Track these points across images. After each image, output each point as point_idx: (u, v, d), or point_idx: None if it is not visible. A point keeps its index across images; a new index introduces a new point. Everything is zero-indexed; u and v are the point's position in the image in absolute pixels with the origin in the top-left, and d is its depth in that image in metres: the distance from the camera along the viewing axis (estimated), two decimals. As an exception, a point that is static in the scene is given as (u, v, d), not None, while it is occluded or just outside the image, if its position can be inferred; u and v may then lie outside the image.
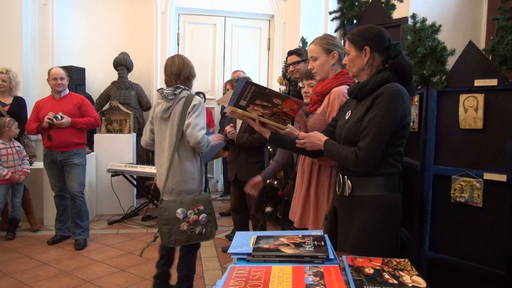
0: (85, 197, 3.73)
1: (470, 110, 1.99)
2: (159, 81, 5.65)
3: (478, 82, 1.98)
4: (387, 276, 1.03)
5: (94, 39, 5.51)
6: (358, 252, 1.37)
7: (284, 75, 4.47)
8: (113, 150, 4.72)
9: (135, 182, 4.65)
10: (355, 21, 3.32)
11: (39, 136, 4.02)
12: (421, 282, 1.00)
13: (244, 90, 1.77)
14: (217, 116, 5.65)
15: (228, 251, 1.24)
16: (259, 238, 1.28)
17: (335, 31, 3.62)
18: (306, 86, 2.48)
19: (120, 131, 4.89)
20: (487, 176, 1.92)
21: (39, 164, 4.21)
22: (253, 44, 6.03)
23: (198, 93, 5.37)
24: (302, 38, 4.49)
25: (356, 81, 1.96)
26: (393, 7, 3.32)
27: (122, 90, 5.18)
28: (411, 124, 2.23)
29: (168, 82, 2.46)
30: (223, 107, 3.76)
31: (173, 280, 2.64)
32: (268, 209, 4.01)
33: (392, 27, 3.03)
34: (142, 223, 4.41)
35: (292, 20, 5.61)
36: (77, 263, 3.24)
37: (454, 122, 2.06)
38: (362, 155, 1.50)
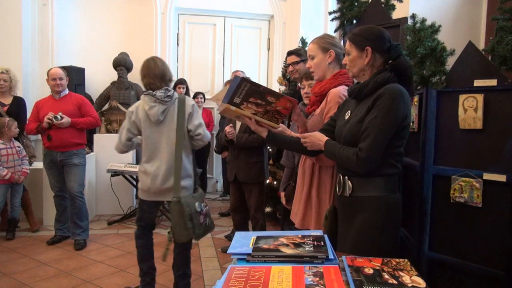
0: (85, 197, 3.73)
1: (470, 110, 1.99)
2: (159, 81, 5.65)
3: (477, 82, 1.99)
4: (386, 276, 1.03)
5: (94, 39, 5.51)
6: (358, 252, 1.37)
7: (283, 75, 4.47)
8: (113, 150, 4.65)
9: (134, 182, 4.64)
10: (354, 21, 3.32)
11: (39, 136, 4.03)
12: (421, 282, 1.00)
13: (239, 87, 1.78)
14: (216, 116, 5.65)
15: (228, 251, 1.24)
16: (258, 238, 1.28)
17: (335, 31, 3.62)
18: (307, 86, 2.46)
19: (120, 131, 4.88)
20: (487, 176, 1.93)
21: (38, 164, 4.20)
22: (253, 44, 6.03)
23: (198, 93, 5.38)
24: (302, 38, 4.49)
25: (356, 81, 1.96)
26: (393, 7, 3.32)
27: (121, 90, 5.18)
28: (411, 124, 2.23)
29: (151, 85, 2.45)
30: None
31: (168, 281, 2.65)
32: (267, 209, 4.01)
33: (391, 27, 3.03)
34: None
35: (292, 20, 5.61)
36: (77, 263, 3.24)
37: (454, 122, 2.06)
38: (363, 156, 1.50)
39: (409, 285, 0.99)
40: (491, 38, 2.17)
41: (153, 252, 2.67)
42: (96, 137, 4.76)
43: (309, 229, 2.03)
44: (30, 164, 4.15)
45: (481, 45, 3.88)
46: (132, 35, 5.62)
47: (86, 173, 3.79)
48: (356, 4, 3.33)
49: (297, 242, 1.25)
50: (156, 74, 2.44)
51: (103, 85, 5.27)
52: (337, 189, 1.70)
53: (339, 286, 0.98)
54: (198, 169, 4.69)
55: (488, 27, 4.15)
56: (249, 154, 3.30)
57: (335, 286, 0.98)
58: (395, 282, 1.00)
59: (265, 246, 1.21)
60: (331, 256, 1.14)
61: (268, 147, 3.66)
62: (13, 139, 3.78)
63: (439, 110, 2.14)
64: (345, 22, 3.36)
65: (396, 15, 3.28)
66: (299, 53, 3.13)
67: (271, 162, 4.11)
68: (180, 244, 2.55)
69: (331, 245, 1.23)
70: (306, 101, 2.42)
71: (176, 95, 2.49)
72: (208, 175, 5.83)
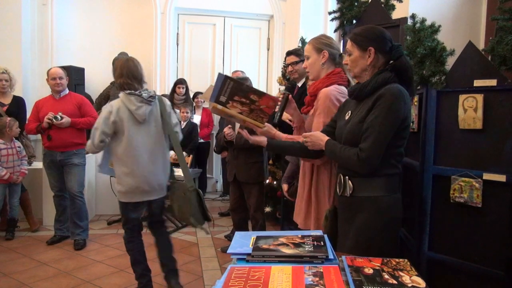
0: (85, 197, 3.73)
1: (470, 110, 1.99)
2: (159, 81, 5.65)
3: (477, 83, 1.98)
4: (386, 276, 1.03)
5: (94, 39, 5.51)
6: (358, 252, 1.37)
7: (283, 75, 4.47)
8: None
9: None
10: (354, 21, 3.32)
11: (39, 136, 4.02)
12: (421, 282, 1.01)
13: (223, 85, 1.82)
14: (216, 116, 5.65)
15: (228, 251, 1.24)
16: (258, 238, 1.28)
17: (335, 31, 3.62)
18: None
19: (120, 131, 4.88)
20: (487, 176, 1.93)
21: (38, 164, 4.20)
22: (253, 44, 6.03)
23: (197, 93, 5.38)
24: (302, 38, 4.49)
25: (351, 80, 1.97)
26: (393, 7, 3.31)
27: (121, 90, 5.17)
28: (411, 124, 2.23)
29: (128, 85, 2.46)
30: None
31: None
32: (267, 209, 4.01)
33: (391, 27, 3.02)
34: (141, 223, 4.40)
35: (292, 20, 5.61)
36: (76, 263, 3.24)
37: (454, 122, 2.06)
38: (364, 156, 1.50)
39: (409, 285, 0.99)
40: (490, 38, 2.17)
41: (145, 253, 2.67)
42: (96, 137, 4.74)
43: (310, 229, 2.04)
44: (30, 164, 4.14)
45: (481, 45, 3.88)
46: (132, 35, 5.62)
47: (86, 173, 3.79)
48: (356, 4, 3.32)
49: (297, 242, 1.25)
50: (135, 75, 2.48)
51: (102, 85, 5.26)
52: (338, 189, 1.70)
53: (339, 286, 0.98)
54: (198, 169, 4.73)
55: (488, 27, 4.15)
56: (248, 154, 3.30)
57: (335, 286, 0.98)
58: (395, 282, 1.00)
59: (265, 246, 1.21)
60: (331, 256, 1.14)
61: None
62: (14, 139, 3.78)
63: (439, 110, 2.14)
64: (345, 22, 3.35)
65: (395, 15, 3.28)
66: (298, 53, 3.13)
67: (270, 162, 4.11)
68: (164, 232, 2.70)
69: (331, 245, 1.23)
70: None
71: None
72: (208, 175, 5.82)
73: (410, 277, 1.03)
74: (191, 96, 5.32)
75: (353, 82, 2.01)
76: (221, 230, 4.18)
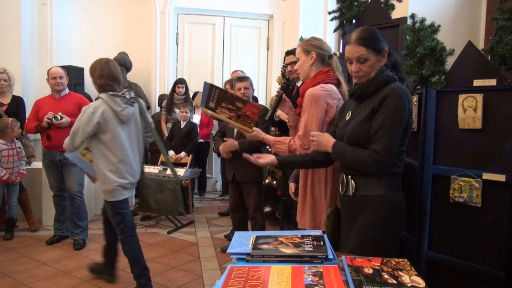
0: (84, 197, 3.72)
1: (469, 110, 1.99)
2: (158, 81, 5.65)
3: (477, 82, 1.98)
4: (386, 276, 1.03)
5: (93, 39, 5.50)
6: (361, 251, 1.37)
7: (283, 75, 4.47)
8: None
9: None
10: (354, 21, 3.32)
11: (38, 136, 4.02)
12: (420, 282, 1.00)
13: (210, 93, 1.96)
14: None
15: (227, 251, 1.24)
16: (258, 238, 1.28)
17: (334, 31, 3.62)
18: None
19: (119, 131, 4.87)
20: (486, 176, 1.92)
21: (37, 164, 4.19)
22: (252, 44, 6.03)
23: (197, 93, 5.38)
24: (301, 38, 4.48)
25: (339, 78, 1.99)
26: (392, 7, 3.31)
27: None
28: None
29: (108, 86, 2.51)
30: None
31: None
32: (267, 209, 4.01)
33: (391, 27, 3.02)
34: (141, 223, 4.40)
35: (291, 20, 5.61)
36: (76, 263, 3.24)
37: (453, 122, 2.06)
38: (380, 158, 1.49)
39: (409, 285, 0.99)
40: (490, 38, 2.17)
41: (142, 252, 2.67)
42: (96, 136, 4.74)
43: (305, 228, 2.04)
44: (30, 163, 4.14)
45: (480, 45, 3.88)
46: (132, 35, 5.62)
47: (85, 173, 3.79)
48: (355, 4, 3.32)
49: (296, 242, 1.25)
50: (116, 77, 2.55)
51: (102, 84, 5.27)
52: (340, 189, 1.69)
53: (339, 286, 0.98)
54: (198, 169, 4.73)
55: (487, 26, 4.15)
56: (250, 147, 3.28)
57: (335, 286, 0.98)
58: (394, 282, 1.00)
59: (264, 246, 1.21)
60: (330, 256, 1.14)
61: (268, 147, 3.66)
62: (15, 139, 3.77)
63: (438, 110, 2.14)
64: (345, 21, 3.35)
65: (395, 15, 3.28)
66: (297, 53, 3.13)
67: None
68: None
69: (330, 245, 1.23)
70: None
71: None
72: (207, 175, 5.83)
73: (410, 277, 1.03)
74: (191, 95, 5.31)
75: (342, 80, 2.02)
76: (221, 230, 4.18)
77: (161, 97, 5.44)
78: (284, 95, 2.10)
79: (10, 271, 3.04)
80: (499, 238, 1.90)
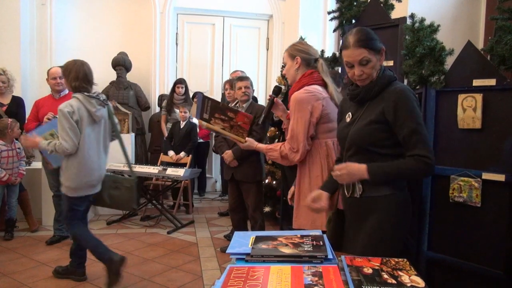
0: (84, 197, 3.72)
1: (469, 110, 1.99)
2: (158, 81, 5.65)
3: (476, 82, 1.99)
4: (385, 276, 1.03)
5: (93, 39, 5.50)
6: (373, 252, 1.36)
7: (283, 75, 4.47)
8: (112, 150, 4.69)
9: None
10: (353, 21, 3.32)
11: (38, 136, 4.00)
12: (420, 282, 1.00)
13: (203, 104, 2.01)
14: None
15: (227, 251, 1.24)
16: (257, 238, 1.28)
17: (334, 30, 3.62)
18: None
19: (119, 131, 4.88)
20: (486, 176, 1.93)
21: (37, 164, 4.19)
22: (252, 44, 6.03)
23: (196, 93, 5.38)
24: (301, 38, 4.48)
25: (325, 79, 1.98)
26: (392, 7, 3.31)
27: (120, 90, 5.17)
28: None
29: (82, 88, 2.62)
30: None
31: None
32: (266, 209, 4.01)
33: (390, 27, 3.02)
34: (140, 223, 4.40)
35: (291, 20, 5.61)
36: (76, 263, 3.23)
37: (453, 122, 2.06)
38: (429, 160, 1.48)
39: (408, 284, 0.99)
40: (490, 37, 2.17)
41: (93, 242, 2.81)
42: (95, 137, 4.74)
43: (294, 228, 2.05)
44: (29, 164, 4.13)
45: (480, 45, 3.88)
46: (131, 35, 5.62)
47: (85, 173, 3.78)
48: (355, 3, 3.32)
49: (296, 242, 1.25)
50: (89, 79, 2.68)
51: (102, 85, 5.25)
52: (346, 192, 1.67)
53: (338, 286, 0.98)
54: (197, 169, 4.73)
55: (487, 26, 4.15)
56: (245, 153, 3.29)
57: (334, 286, 0.98)
58: (394, 281, 1.00)
59: (264, 246, 1.21)
60: (330, 256, 1.14)
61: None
62: (14, 140, 3.77)
63: (438, 109, 2.14)
64: (344, 21, 3.35)
65: (395, 14, 3.28)
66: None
67: (270, 162, 4.11)
68: (86, 223, 2.92)
69: (330, 245, 1.23)
70: None
71: None
72: (207, 175, 5.83)
73: (409, 276, 1.03)
74: (191, 96, 5.31)
75: (329, 82, 2.00)
76: (221, 230, 4.18)
77: (161, 97, 5.44)
78: (275, 98, 2.11)
79: (10, 271, 3.04)
80: (498, 238, 1.90)
